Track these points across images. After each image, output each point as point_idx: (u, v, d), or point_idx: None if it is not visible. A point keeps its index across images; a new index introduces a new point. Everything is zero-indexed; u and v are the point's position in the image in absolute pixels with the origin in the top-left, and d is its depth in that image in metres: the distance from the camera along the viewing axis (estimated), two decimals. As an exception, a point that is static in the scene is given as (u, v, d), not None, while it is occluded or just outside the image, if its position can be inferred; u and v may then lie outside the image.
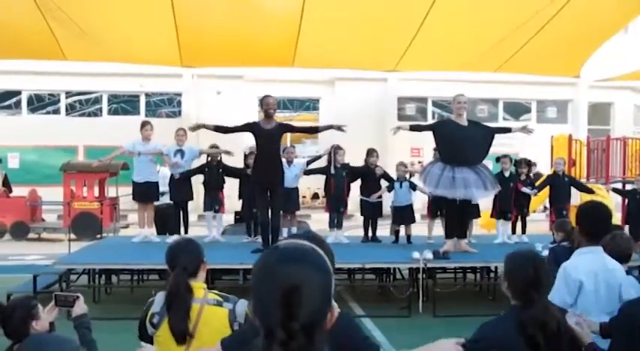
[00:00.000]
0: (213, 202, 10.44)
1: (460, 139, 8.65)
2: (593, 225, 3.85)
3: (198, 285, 3.24)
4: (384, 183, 10.45)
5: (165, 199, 11.24)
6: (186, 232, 10.44)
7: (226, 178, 10.58)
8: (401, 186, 10.28)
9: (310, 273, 1.46)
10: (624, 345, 2.83)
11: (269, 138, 8.83)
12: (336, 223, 10.43)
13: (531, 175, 11.12)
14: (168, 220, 11.19)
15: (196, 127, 9.20)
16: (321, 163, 10.91)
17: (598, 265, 3.72)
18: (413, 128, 9.44)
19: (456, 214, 9.14)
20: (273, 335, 1.41)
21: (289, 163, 10.37)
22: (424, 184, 9.16)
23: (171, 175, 10.39)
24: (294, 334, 1.40)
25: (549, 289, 3.01)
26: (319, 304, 1.46)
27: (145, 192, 10.26)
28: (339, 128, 9.01)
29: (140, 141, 10.17)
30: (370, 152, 10.51)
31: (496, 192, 9.28)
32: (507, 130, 9.70)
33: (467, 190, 8.61)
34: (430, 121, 24.85)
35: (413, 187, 10.28)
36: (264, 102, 8.94)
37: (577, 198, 11.85)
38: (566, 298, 3.65)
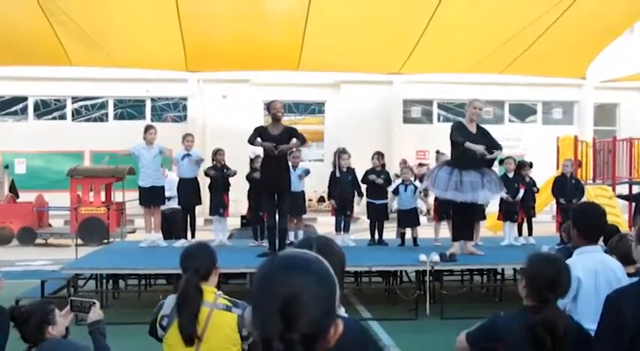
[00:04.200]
0: (219, 205, 10.48)
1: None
2: (589, 225, 3.89)
3: (209, 289, 3.26)
4: (393, 183, 10.49)
5: (173, 204, 11.26)
6: (192, 236, 10.46)
7: (232, 182, 10.62)
8: (405, 189, 10.27)
9: (311, 282, 1.42)
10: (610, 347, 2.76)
11: (275, 142, 8.89)
12: (342, 226, 10.44)
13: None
14: (174, 224, 11.22)
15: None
16: (327, 168, 10.92)
17: (598, 264, 3.75)
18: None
19: (462, 217, 9.12)
20: (271, 346, 1.37)
21: (294, 167, 10.42)
22: (432, 188, 9.12)
23: (180, 179, 10.44)
24: (292, 345, 1.36)
25: (565, 294, 3.03)
26: (320, 315, 1.40)
27: (151, 196, 10.30)
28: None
29: (144, 145, 10.21)
30: (372, 156, 10.61)
31: (503, 194, 9.26)
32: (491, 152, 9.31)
33: (474, 193, 8.60)
34: (435, 123, 24.95)
35: (425, 193, 10.31)
36: (271, 106, 9.10)
37: (584, 200, 11.81)
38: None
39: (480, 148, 8.49)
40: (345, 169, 10.32)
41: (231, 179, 10.61)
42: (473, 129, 8.84)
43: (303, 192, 10.75)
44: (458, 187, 8.56)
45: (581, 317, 3.56)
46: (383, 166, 10.69)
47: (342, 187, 10.32)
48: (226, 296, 3.31)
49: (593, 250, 3.84)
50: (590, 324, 3.51)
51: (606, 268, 3.74)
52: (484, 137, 8.94)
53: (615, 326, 2.67)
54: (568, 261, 3.84)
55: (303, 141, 9.48)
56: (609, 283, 3.66)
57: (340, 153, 10.39)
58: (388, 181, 10.50)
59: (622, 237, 4.38)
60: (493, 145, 8.86)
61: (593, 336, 3.02)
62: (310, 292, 1.40)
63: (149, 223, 10.53)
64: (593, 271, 3.71)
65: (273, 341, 1.36)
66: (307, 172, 10.68)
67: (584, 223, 3.91)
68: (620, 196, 12.11)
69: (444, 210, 10.16)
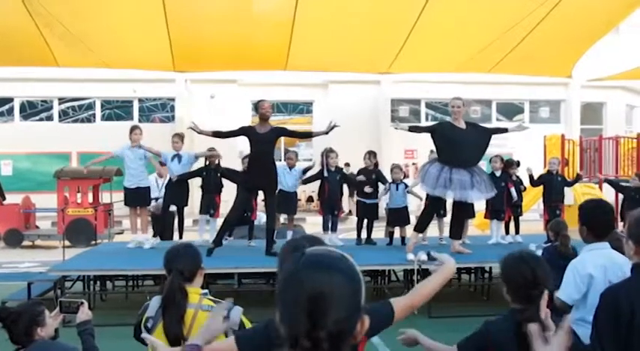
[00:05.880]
0: (210, 205, 10.44)
1: (458, 142, 8.68)
2: (598, 222, 3.92)
3: (194, 290, 3.24)
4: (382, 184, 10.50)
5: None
6: (180, 237, 10.43)
7: (225, 182, 10.59)
8: (397, 188, 10.30)
9: (338, 280, 1.42)
10: (610, 336, 2.81)
11: (263, 142, 8.89)
12: (330, 226, 10.45)
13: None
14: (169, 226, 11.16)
15: (195, 129, 9.21)
16: (315, 168, 10.93)
17: (607, 260, 3.80)
18: (412, 129, 9.45)
19: (432, 212, 9.25)
20: (298, 344, 1.37)
21: (290, 168, 10.47)
22: (422, 184, 9.14)
23: (169, 179, 10.39)
24: (319, 343, 1.36)
25: (548, 289, 3.03)
26: (347, 312, 1.41)
27: (136, 197, 10.24)
28: (332, 128, 9.05)
29: (129, 146, 10.16)
30: (364, 156, 10.58)
31: (492, 195, 9.28)
32: (504, 130, 9.68)
33: (462, 192, 8.64)
34: (424, 122, 24.95)
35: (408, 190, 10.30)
36: (259, 106, 9.05)
37: (571, 198, 11.90)
38: (573, 295, 3.76)
39: (403, 126, 9.27)
40: (333, 169, 10.33)
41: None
42: (462, 125, 8.90)
43: (296, 192, 10.78)
44: (447, 185, 8.60)
45: (590, 313, 3.61)
46: (375, 165, 10.66)
47: (330, 186, 10.33)
48: (211, 297, 3.30)
49: (602, 246, 3.88)
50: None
51: (614, 265, 3.78)
52: (476, 130, 9.05)
53: (613, 319, 2.70)
54: (577, 259, 3.90)
55: (306, 134, 9.52)
56: (617, 279, 3.69)
57: (328, 152, 10.40)
58: (380, 180, 10.47)
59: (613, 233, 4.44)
60: (489, 132, 9.10)
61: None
62: (337, 290, 1.40)
63: (135, 224, 10.49)
64: (603, 267, 3.76)
65: (300, 339, 1.37)
66: (305, 170, 10.72)
67: (592, 220, 3.94)
68: (609, 182, 11.83)
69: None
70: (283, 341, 1.41)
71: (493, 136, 9.19)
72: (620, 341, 2.67)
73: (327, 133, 9.24)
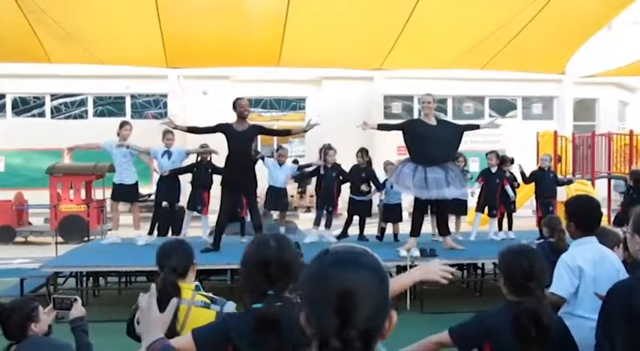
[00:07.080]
0: (197, 202, 10.42)
1: (428, 139, 8.69)
2: (585, 217, 3.97)
3: (187, 286, 3.24)
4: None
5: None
6: (173, 233, 10.43)
7: (215, 179, 10.57)
8: (392, 186, 10.29)
9: (364, 276, 1.39)
10: (624, 334, 2.80)
11: (241, 139, 8.85)
12: (320, 221, 10.45)
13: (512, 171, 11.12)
14: (175, 222, 11.15)
15: (169, 124, 9.20)
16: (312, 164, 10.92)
17: (595, 254, 3.85)
18: (381, 127, 9.51)
19: (422, 214, 9.22)
20: (328, 344, 1.34)
21: (280, 164, 10.46)
22: (396, 185, 9.13)
23: (160, 176, 10.36)
24: (350, 342, 1.33)
25: (544, 282, 3.06)
26: (376, 309, 1.38)
27: (119, 192, 10.25)
28: (312, 126, 9.09)
29: (118, 142, 10.13)
30: (357, 153, 10.56)
31: (468, 190, 9.33)
32: (476, 127, 9.67)
33: (439, 190, 8.65)
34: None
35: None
36: (237, 104, 9.01)
37: (563, 194, 11.94)
38: (569, 288, 3.78)
39: (372, 124, 9.33)
40: (330, 166, 10.32)
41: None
42: (432, 122, 8.93)
43: (285, 189, 10.76)
44: (422, 185, 8.60)
45: (579, 307, 3.64)
46: (368, 163, 10.59)
47: (326, 183, 10.33)
48: (204, 293, 3.30)
49: (589, 241, 3.92)
50: (587, 313, 3.58)
51: (603, 258, 3.83)
52: (446, 126, 9.10)
53: (627, 316, 2.70)
54: (567, 253, 3.94)
55: (284, 132, 9.47)
56: (608, 274, 3.72)
57: (326, 149, 10.40)
58: (371, 179, 10.45)
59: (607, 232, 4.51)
60: (460, 129, 9.10)
61: (571, 334, 3.05)
62: (364, 286, 1.37)
63: (116, 220, 10.48)
64: (592, 261, 3.80)
65: (331, 339, 1.34)
66: (300, 168, 10.73)
67: (580, 215, 3.99)
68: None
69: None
70: (313, 342, 1.38)
71: (485, 133, 9.22)
72: (635, 338, 2.65)
73: (305, 131, 9.30)
